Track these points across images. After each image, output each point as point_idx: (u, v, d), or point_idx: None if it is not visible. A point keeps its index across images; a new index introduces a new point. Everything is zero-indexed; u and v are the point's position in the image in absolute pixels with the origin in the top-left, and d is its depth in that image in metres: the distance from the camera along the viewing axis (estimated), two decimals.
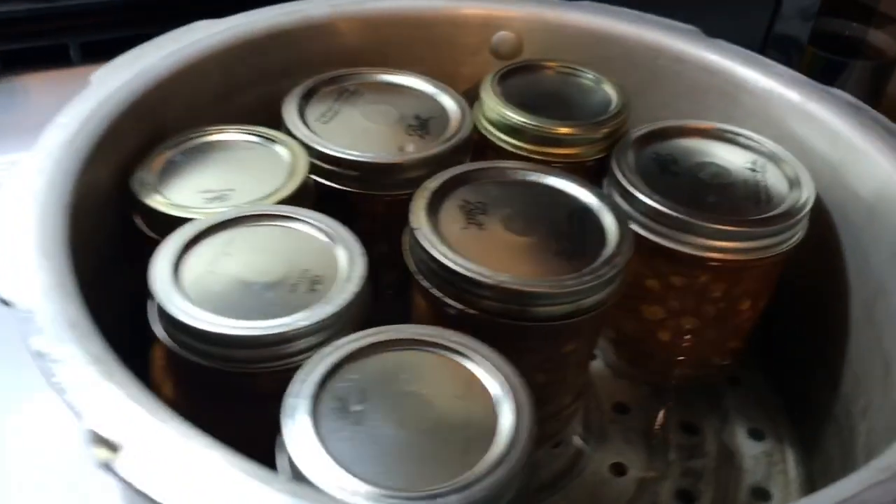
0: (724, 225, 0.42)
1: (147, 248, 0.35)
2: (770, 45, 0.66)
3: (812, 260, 0.46)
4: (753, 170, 0.46)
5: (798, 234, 0.44)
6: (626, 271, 0.39)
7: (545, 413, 0.42)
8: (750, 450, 0.47)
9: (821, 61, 0.81)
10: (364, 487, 0.27)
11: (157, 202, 0.39)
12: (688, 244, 0.42)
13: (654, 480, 0.45)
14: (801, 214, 0.43)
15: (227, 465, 0.25)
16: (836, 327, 0.45)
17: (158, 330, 0.34)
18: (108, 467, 0.25)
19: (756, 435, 0.48)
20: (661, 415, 0.49)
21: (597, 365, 0.51)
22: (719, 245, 0.42)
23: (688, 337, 0.46)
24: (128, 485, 0.24)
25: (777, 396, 0.51)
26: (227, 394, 0.34)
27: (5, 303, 0.29)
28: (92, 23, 0.71)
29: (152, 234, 0.39)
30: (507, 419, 0.30)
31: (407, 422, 0.29)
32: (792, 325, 0.50)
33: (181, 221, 0.38)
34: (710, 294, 0.44)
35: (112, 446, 0.25)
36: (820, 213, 0.46)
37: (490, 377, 0.31)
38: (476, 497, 0.27)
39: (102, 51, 0.50)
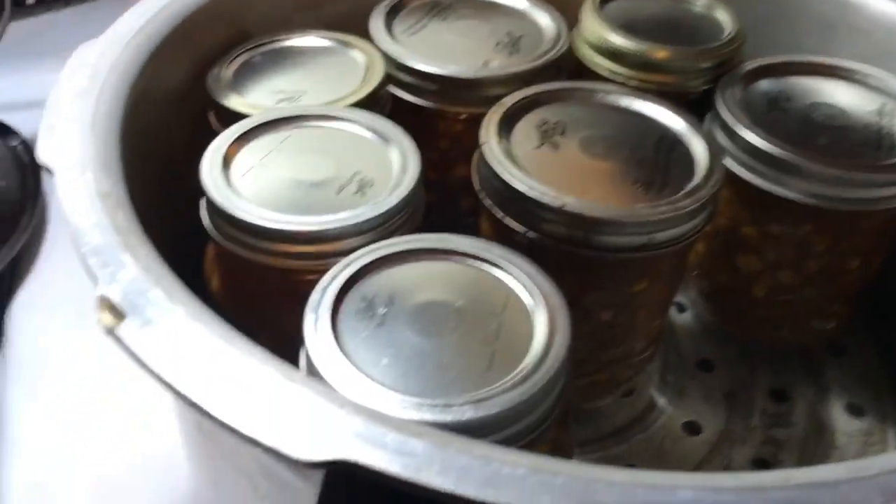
0: (833, 168, 0.37)
1: None
2: None
3: None
4: (880, 114, 0.40)
5: None
6: (713, 207, 0.35)
7: (612, 356, 0.39)
8: (845, 426, 0.43)
9: None
10: (375, 388, 0.25)
11: (229, 100, 0.39)
12: (790, 187, 0.38)
13: (730, 444, 0.41)
14: None
15: (226, 345, 0.24)
16: None
17: (205, 219, 0.33)
18: (110, 332, 0.24)
19: (855, 410, 0.43)
20: (749, 378, 0.45)
21: (685, 317, 0.48)
22: (826, 192, 0.37)
23: (786, 294, 0.42)
24: (128, 353, 0.24)
25: (887, 371, 0.45)
26: (267, 287, 0.33)
27: (48, 170, 0.29)
28: None
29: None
30: (539, 340, 0.27)
31: (431, 329, 0.27)
32: None
33: None
34: (813, 247, 0.40)
35: (119, 314, 0.24)
36: None
37: (530, 295, 0.29)
38: (492, 412, 0.25)
39: None
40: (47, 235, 0.56)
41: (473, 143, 0.38)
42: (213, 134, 0.39)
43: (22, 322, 0.50)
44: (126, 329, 0.24)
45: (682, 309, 0.48)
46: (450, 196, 0.45)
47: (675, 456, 0.41)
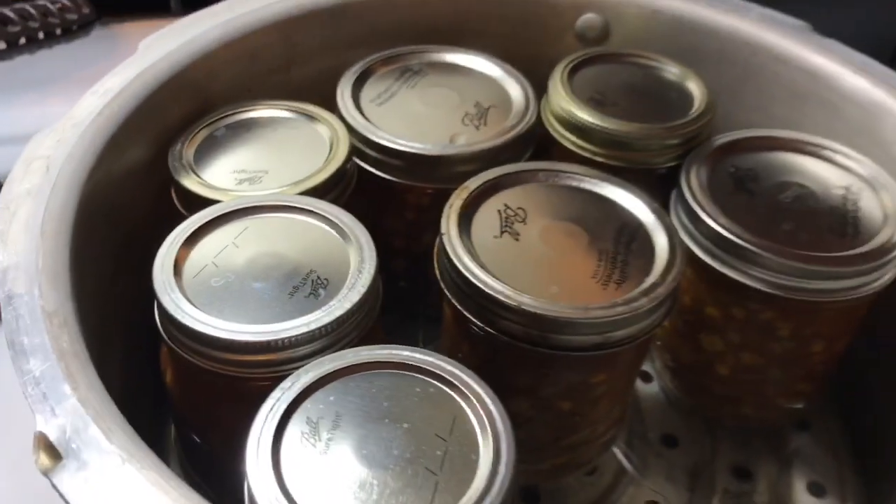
0: (796, 261, 0.37)
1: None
2: None
3: None
4: (846, 196, 0.40)
5: (886, 275, 0.38)
6: (672, 303, 0.35)
7: (573, 441, 0.39)
8: None
9: None
10: None
11: (190, 180, 0.39)
12: (753, 277, 0.38)
13: None
14: (890, 255, 0.37)
15: (159, 493, 0.23)
16: None
17: (157, 321, 0.33)
18: (46, 474, 0.24)
19: (816, 490, 0.43)
20: (711, 454, 0.45)
21: (651, 388, 0.47)
22: (788, 282, 0.37)
23: (750, 375, 0.42)
24: (61, 496, 0.24)
25: (849, 450, 0.45)
26: (216, 390, 0.32)
27: None
28: None
29: (183, 211, 0.38)
30: (483, 472, 0.27)
31: (375, 459, 0.27)
32: (875, 373, 0.44)
33: (210, 202, 0.37)
34: (775, 331, 0.40)
35: (56, 454, 0.24)
36: None
37: (476, 418, 0.28)
38: None
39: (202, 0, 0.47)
40: None
41: (440, 213, 0.38)
42: (176, 212, 0.38)
43: None
44: (61, 473, 0.24)
45: (648, 379, 0.48)
46: (416, 262, 0.45)
47: None
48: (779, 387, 0.42)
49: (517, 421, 0.37)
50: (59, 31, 0.63)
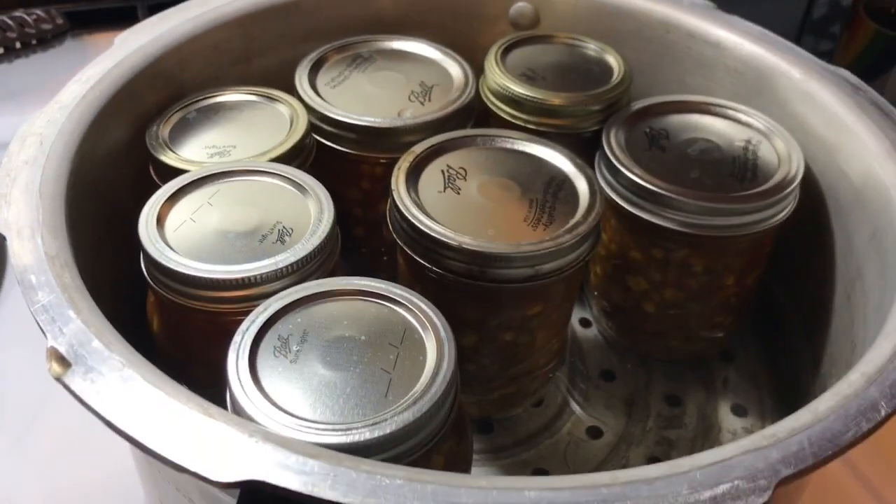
0: (701, 200, 0.42)
1: None
2: (807, 30, 0.65)
3: (803, 240, 0.46)
4: (746, 147, 0.46)
5: (783, 212, 0.44)
6: (594, 240, 0.40)
7: (518, 371, 0.44)
8: (731, 424, 0.48)
9: (883, 38, 0.78)
10: (288, 419, 0.30)
11: (166, 156, 0.43)
12: (666, 218, 0.43)
13: (628, 446, 0.47)
14: (784, 193, 0.43)
15: (155, 389, 0.28)
16: (821, 308, 0.45)
17: (144, 269, 0.38)
18: (59, 380, 0.28)
19: (739, 411, 0.49)
20: (646, 385, 0.50)
21: (590, 332, 0.53)
22: (697, 220, 0.43)
23: (673, 309, 0.47)
24: (74, 396, 0.28)
25: (768, 375, 0.51)
26: (199, 327, 0.37)
27: (1, 236, 0.33)
28: None
29: (160, 183, 0.43)
30: (429, 367, 0.32)
31: (338, 363, 0.32)
32: (784, 305, 0.50)
33: (185, 173, 0.41)
34: (691, 268, 0.45)
35: (66, 363, 0.29)
36: (815, 194, 0.46)
37: (423, 329, 0.33)
38: (385, 431, 0.29)
39: None
40: (7, 277, 0.60)
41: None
42: (153, 184, 0.43)
43: None
44: (71, 376, 0.28)
45: (587, 324, 0.53)
46: (374, 229, 0.50)
47: (579, 458, 0.46)
48: (699, 319, 0.48)
49: (467, 354, 0.42)
50: (34, 42, 0.67)
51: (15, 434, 0.50)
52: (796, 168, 0.44)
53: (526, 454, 0.46)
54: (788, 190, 0.43)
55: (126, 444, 0.27)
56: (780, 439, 0.28)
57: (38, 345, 0.30)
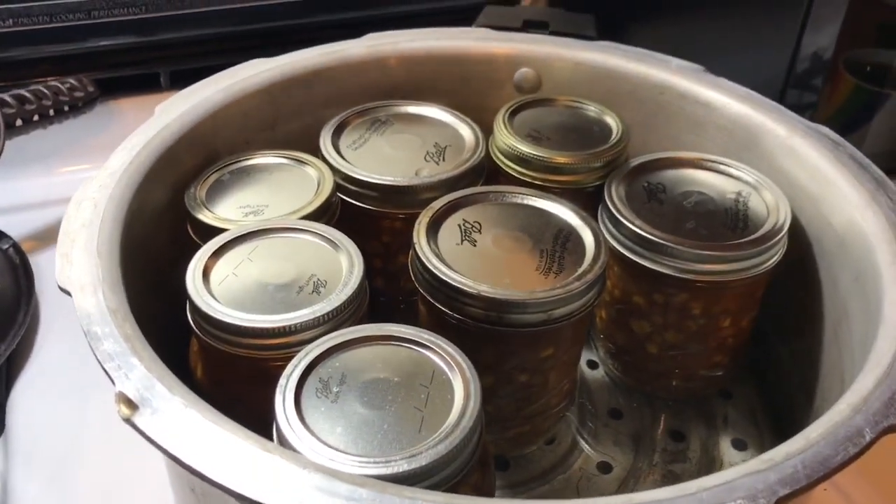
0: (697, 249, 0.46)
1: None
2: (791, 84, 0.69)
3: (793, 283, 0.50)
4: (737, 199, 0.50)
5: (773, 258, 0.47)
6: (601, 286, 0.44)
7: (532, 411, 0.47)
8: (732, 458, 0.51)
9: (863, 93, 0.82)
10: (333, 453, 0.33)
11: (204, 215, 0.47)
12: (666, 265, 0.47)
13: (636, 479, 0.50)
14: (773, 240, 0.47)
15: (215, 426, 0.31)
16: (811, 346, 0.49)
17: (189, 318, 0.41)
18: (128, 421, 0.32)
19: (739, 445, 0.52)
20: (651, 422, 0.53)
21: (597, 373, 0.56)
22: (694, 267, 0.46)
23: (674, 350, 0.51)
24: (143, 435, 0.31)
25: (767, 412, 0.54)
26: (242, 373, 0.40)
27: (64, 291, 0.37)
28: (180, 54, 0.82)
29: (199, 241, 0.47)
30: (458, 405, 0.35)
31: (375, 402, 0.35)
32: (777, 344, 0.53)
33: (222, 231, 0.45)
34: (690, 311, 0.49)
35: (133, 405, 0.32)
36: (802, 242, 0.50)
37: (450, 370, 0.37)
38: (422, 463, 0.32)
39: (189, 78, 0.55)
40: (40, 328, 0.63)
41: (411, 237, 0.47)
42: (191, 241, 0.47)
43: (22, 408, 0.57)
44: (140, 418, 0.32)
45: (594, 366, 0.56)
46: (394, 280, 0.54)
47: (591, 492, 0.49)
48: (699, 359, 0.51)
49: (485, 395, 0.45)
50: (66, 108, 0.71)
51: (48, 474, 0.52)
52: (784, 217, 0.48)
53: (540, 489, 0.49)
54: (777, 238, 0.47)
55: (161, 481, 0.30)
56: (777, 463, 0.31)
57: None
